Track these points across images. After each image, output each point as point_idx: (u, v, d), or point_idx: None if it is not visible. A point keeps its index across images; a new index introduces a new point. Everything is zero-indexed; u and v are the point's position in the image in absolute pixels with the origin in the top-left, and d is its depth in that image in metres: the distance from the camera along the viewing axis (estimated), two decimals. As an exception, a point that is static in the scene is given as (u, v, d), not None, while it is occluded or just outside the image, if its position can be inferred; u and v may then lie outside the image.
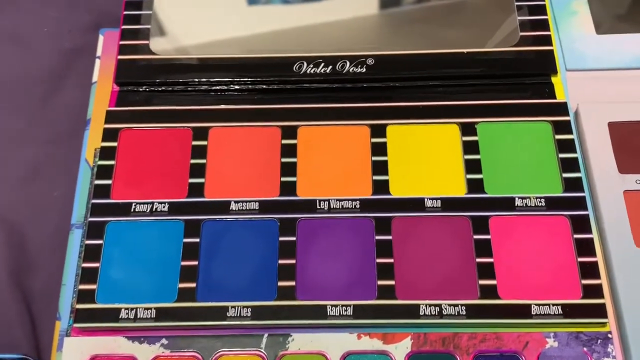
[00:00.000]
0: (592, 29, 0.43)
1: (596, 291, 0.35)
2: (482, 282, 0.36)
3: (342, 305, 0.35)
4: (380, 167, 0.39)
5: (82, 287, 0.36)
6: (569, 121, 0.40)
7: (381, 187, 0.38)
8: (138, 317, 0.35)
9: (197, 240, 0.37)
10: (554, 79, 0.41)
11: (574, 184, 0.38)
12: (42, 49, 0.47)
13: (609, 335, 0.35)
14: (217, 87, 0.42)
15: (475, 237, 0.37)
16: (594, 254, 0.36)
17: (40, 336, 0.38)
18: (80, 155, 0.40)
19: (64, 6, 0.48)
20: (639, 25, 0.44)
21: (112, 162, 0.39)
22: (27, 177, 0.43)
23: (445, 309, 0.35)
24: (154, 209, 0.38)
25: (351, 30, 0.44)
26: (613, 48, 0.43)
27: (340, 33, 0.43)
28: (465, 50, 0.41)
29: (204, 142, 0.40)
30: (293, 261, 0.36)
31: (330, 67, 0.41)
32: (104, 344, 0.35)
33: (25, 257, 0.40)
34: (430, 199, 0.38)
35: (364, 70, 0.41)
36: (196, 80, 0.41)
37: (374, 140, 0.40)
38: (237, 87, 0.42)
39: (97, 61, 0.43)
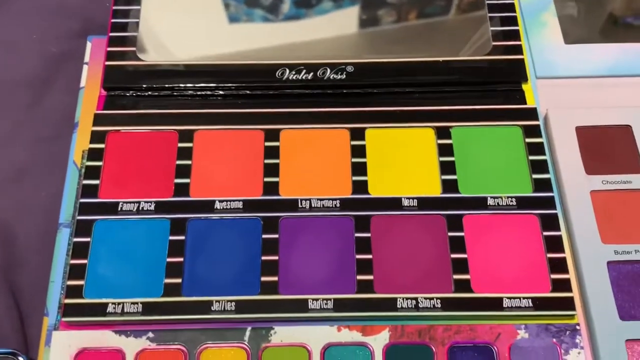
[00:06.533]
0: (560, 39, 0.45)
1: (565, 285, 0.37)
2: (456, 276, 0.37)
3: (323, 299, 0.37)
4: (359, 168, 0.40)
5: (70, 282, 0.37)
6: (538, 125, 0.42)
7: (360, 187, 0.40)
8: (125, 311, 0.36)
9: (183, 237, 0.38)
10: (524, 86, 0.43)
11: (543, 185, 0.40)
12: (30, 54, 0.48)
13: (577, 327, 0.36)
14: (202, 93, 0.43)
15: (450, 234, 0.38)
16: (562, 250, 0.38)
17: (28, 332, 0.39)
18: (67, 157, 0.42)
19: (52, 13, 0.49)
20: (604, 35, 0.47)
21: (99, 163, 0.40)
22: (15, 178, 0.43)
23: (421, 302, 0.37)
24: (140, 208, 0.39)
25: (332, 40, 0.45)
26: (580, 57, 0.45)
27: (322, 43, 0.45)
28: (440, 59, 0.43)
29: (190, 144, 0.41)
30: (276, 257, 0.38)
31: (312, 73, 0.43)
32: (91, 338, 0.36)
33: (13, 255, 0.41)
34: (407, 198, 0.39)
35: (344, 77, 0.43)
36: (182, 85, 0.43)
37: (354, 142, 0.41)
38: (221, 92, 0.43)
39: (85, 67, 0.45)
